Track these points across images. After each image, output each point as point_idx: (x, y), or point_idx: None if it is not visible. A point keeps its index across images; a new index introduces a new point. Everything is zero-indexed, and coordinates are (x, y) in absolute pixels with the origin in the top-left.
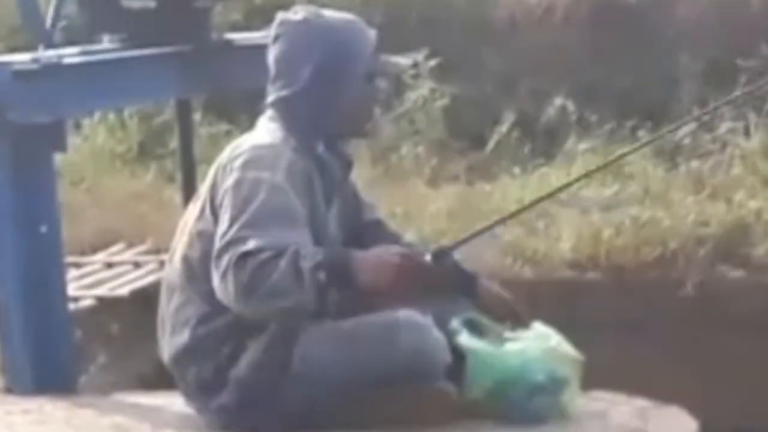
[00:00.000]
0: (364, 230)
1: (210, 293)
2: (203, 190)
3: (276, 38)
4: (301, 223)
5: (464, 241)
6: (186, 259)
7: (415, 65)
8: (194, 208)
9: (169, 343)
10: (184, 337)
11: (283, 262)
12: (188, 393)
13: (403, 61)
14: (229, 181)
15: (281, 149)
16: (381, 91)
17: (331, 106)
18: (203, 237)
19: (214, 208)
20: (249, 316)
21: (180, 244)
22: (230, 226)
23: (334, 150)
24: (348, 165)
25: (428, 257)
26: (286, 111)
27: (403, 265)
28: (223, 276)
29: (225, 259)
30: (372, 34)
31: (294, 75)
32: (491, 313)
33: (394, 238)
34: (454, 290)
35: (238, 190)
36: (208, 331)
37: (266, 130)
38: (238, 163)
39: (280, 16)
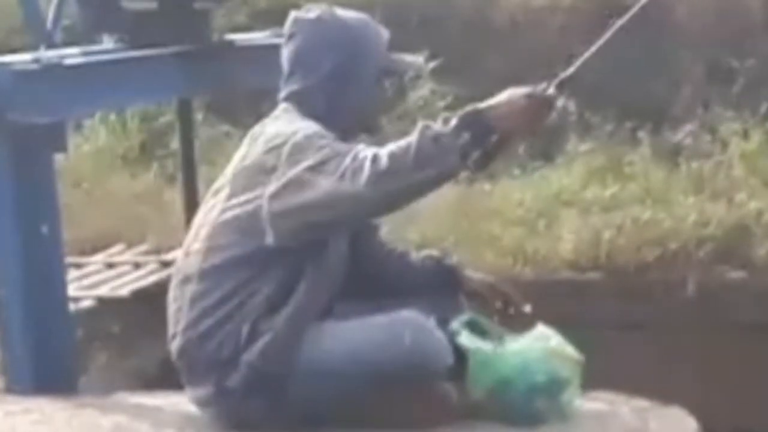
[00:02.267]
0: (362, 235)
1: (228, 283)
2: (226, 183)
3: (290, 36)
4: None
5: (584, 60)
6: (209, 250)
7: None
8: (214, 202)
9: (184, 329)
10: (202, 322)
11: (413, 138)
12: (197, 377)
13: (414, 59)
14: (283, 154)
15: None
16: (387, 89)
17: (344, 103)
18: (226, 227)
19: (245, 195)
20: (388, 200)
21: (198, 236)
22: (327, 159)
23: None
24: None
25: (552, 90)
26: (300, 104)
27: (533, 104)
28: (355, 172)
29: (348, 159)
30: (384, 32)
31: (310, 71)
32: (479, 298)
33: (391, 255)
34: (435, 286)
35: (320, 151)
36: (226, 316)
37: (288, 117)
38: (282, 139)
39: (294, 14)
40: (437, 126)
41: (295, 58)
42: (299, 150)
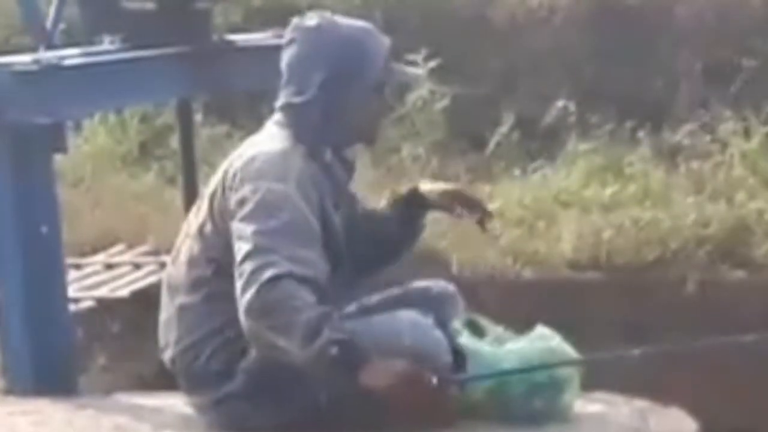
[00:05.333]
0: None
1: (213, 296)
2: (207, 193)
3: (289, 43)
4: (314, 237)
5: (478, 378)
6: (190, 262)
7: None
8: (197, 212)
9: (175, 341)
10: (191, 334)
11: (311, 314)
12: (193, 386)
13: (416, 72)
14: (244, 191)
15: (291, 157)
16: (390, 99)
17: (341, 115)
18: (206, 241)
19: (219, 213)
20: (246, 328)
21: (183, 246)
22: (252, 235)
23: (340, 156)
24: (350, 169)
25: (435, 380)
26: (295, 117)
27: (406, 382)
28: (246, 285)
29: (248, 267)
30: (386, 42)
31: (305, 81)
32: (441, 208)
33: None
34: (407, 224)
35: (254, 199)
36: (214, 329)
37: (274, 137)
38: (250, 173)
39: (295, 20)
40: (333, 325)
41: (291, 66)
42: (251, 215)
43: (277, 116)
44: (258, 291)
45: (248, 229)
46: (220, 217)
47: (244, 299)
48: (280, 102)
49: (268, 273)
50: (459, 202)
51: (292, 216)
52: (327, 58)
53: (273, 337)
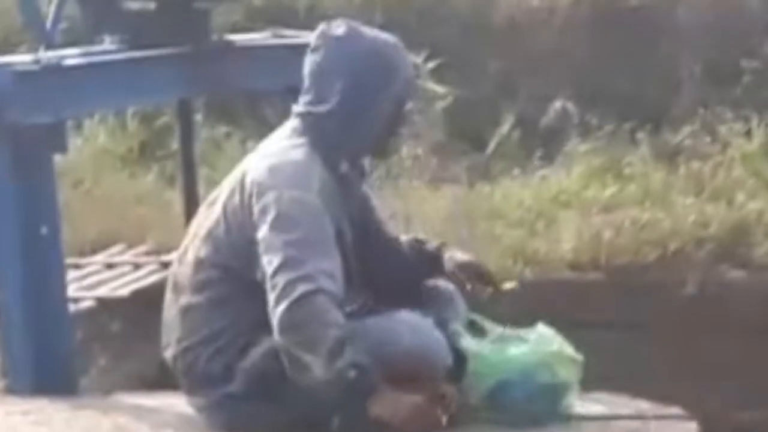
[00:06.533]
0: (386, 247)
1: (218, 298)
2: (221, 197)
3: (314, 49)
4: (334, 246)
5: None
6: (198, 263)
7: (416, 68)
8: (209, 212)
9: (177, 341)
10: (193, 335)
11: (338, 332)
12: (193, 387)
13: (439, 89)
14: (267, 200)
15: (311, 166)
16: (410, 115)
17: (359, 126)
18: (215, 244)
19: (233, 218)
20: (277, 341)
21: (192, 246)
22: (283, 246)
23: (354, 166)
24: (362, 175)
25: (445, 419)
26: (313, 126)
27: (416, 415)
28: (278, 299)
29: (281, 281)
30: (410, 59)
31: (327, 90)
32: (457, 279)
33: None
34: (420, 274)
35: (278, 209)
36: (217, 331)
37: (292, 145)
38: (271, 182)
39: (322, 27)
40: (356, 348)
41: (313, 74)
42: (277, 225)
43: (295, 123)
44: (289, 306)
45: (277, 240)
46: (234, 222)
47: (276, 313)
48: (299, 109)
49: (301, 289)
50: (473, 276)
51: (317, 225)
52: (350, 68)
53: (300, 352)
